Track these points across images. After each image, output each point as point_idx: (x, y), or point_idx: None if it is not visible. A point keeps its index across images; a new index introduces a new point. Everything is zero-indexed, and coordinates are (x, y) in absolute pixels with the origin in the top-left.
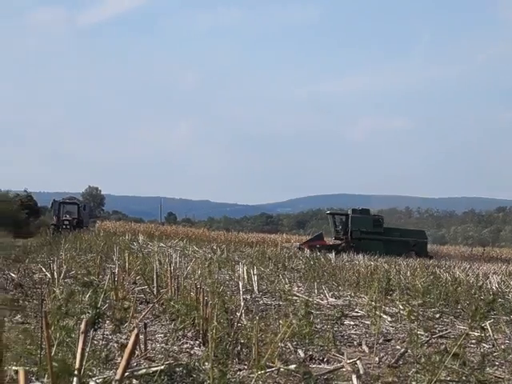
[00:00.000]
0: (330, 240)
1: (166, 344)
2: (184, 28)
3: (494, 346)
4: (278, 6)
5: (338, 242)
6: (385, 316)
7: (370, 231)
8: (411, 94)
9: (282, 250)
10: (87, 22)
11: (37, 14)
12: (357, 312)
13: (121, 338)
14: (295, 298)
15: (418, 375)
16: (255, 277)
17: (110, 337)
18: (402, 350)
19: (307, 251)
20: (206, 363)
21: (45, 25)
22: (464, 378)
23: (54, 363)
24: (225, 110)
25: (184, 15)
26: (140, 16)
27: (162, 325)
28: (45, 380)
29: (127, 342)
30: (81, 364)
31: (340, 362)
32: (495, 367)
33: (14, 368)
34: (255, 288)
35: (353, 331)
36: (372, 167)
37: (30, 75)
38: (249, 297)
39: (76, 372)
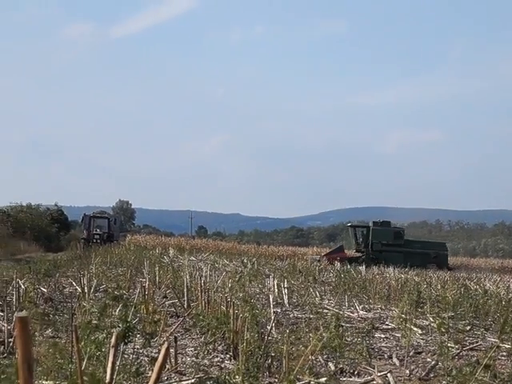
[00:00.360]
0: (350, 252)
1: (197, 357)
2: (215, 42)
3: None
4: (306, 20)
5: (359, 254)
6: (415, 329)
7: (390, 243)
8: (442, 107)
9: (311, 263)
10: (117, 37)
11: (68, 30)
12: (387, 325)
13: (151, 351)
14: (326, 311)
15: None
16: (286, 290)
17: (141, 351)
18: (433, 363)
19: (337, 264)
20: (237, 376)
21: (76, 40)
22: None
23: (84, 377)
24: (255, 124)
25: (215, 30)
26: (170, 30)
27: (193, 338)
28: None
29: (158, 356)
30: (111, 378)
31: (371, 374)
32: None
33: (44, 382)
34: (286, 301)
35: (383, 344)
36: (402, 180)
37: (61, 90)
38: (279, 310)
39: None
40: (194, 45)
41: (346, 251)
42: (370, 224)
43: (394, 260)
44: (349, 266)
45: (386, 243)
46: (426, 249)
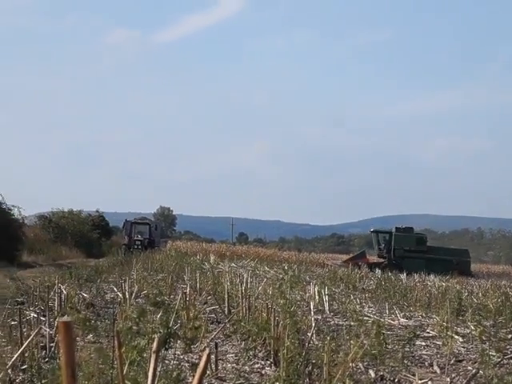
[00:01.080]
0: (373, 258)
1: (237, 364)
2: (258, 49)
3: None
4: (350, 27)
5: (381, 259)
6: (456, 336)
7: (412, 249)
8: (484, 116)
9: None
10: (161, 43)
11: (112, 36)
12: (428, 332)
13: (192, 357)
14: (366, 318)
15: None
16: (326, 297)
17: (182, 356)
18: (474, 371)
19: (378, 271)
20: (277, 383)
21: (120, 46)
22: None
23: (127, 382)
24: (297, 131)
25: (258, 36)
26: (212, 37)
27: (233, 345)
28: None
29: (199, 362)
30: (152, 383)
31: (411, 382)
32: None
33: None
34: (326, 308)
35: (424, 352)
36: (443, 188)
37: (104, 96)
38: (320, 317)
39: None
40: (235, 51)
41: (368, 257)
42: (393, 230)
43: (416, 266)
44: (371, 271)
45: (409, 249)
46: (449, 255)
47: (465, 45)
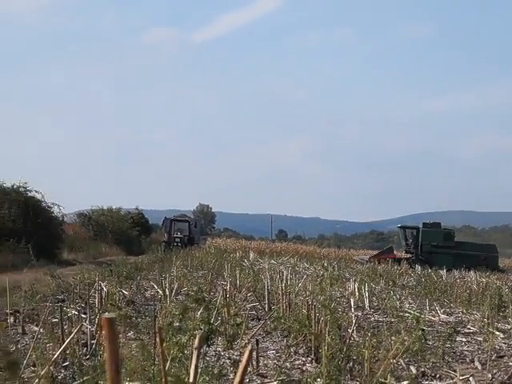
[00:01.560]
0: (401, 254)
1: (278, 360)
2: (297, 45)
3: None
4: (390, 23)
5: (408, 255)
6: (497, 332)
7: (440, 245)
8: None
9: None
10: (200, 41)
11: (150, 35)
12: (469, 329)
13: (233, 354)
14: (407, 314)
15: None
16: (366, 293)
17: (223, 353)
18: None
19: (418, 267)
20: (319, 379)
21: (158, 45)
22: None
23: (168, 378)
24: (335, 128)
25: (297, 33)
26: (253, 34)
27: (274, 341)
28: None
29: (240, 359)
30: (194, 379)
31: (452, 378)
32: None
33: (128, 383)
34: (366, 305)
35: (465, 348)
36: (483, 184)
37: (142, 94)
38: (360, 313)
39: None
40: (273, 47)
41: (396, 252)
42: (420, 225)
43: (444, 261)
44: (399, 267)
45: (436, 245)
46: (476, 251)
47: (505, 41)
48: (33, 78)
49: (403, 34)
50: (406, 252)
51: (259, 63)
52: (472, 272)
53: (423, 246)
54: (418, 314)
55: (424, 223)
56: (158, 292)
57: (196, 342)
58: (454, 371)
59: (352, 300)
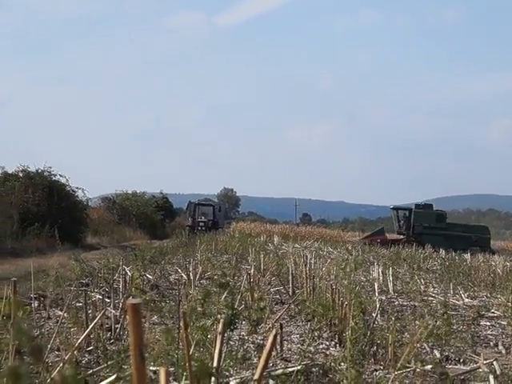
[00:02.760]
0: (392, 235)
1: (302, 344)
2: (323, 30)
3: None
4: (416, 7)
5: (400, 236)
6: None
7: (432, 226)
8: None
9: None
10: (226, 24)
11: (177, 17)
12: (493, 313)
13: (257, 338)
14: (431, 298)
15: None
16: (390, 277)
17: (246, 337)
18: None
19: (442, 251)
20: (343, 363)
21: (184, 28)
22: None
23: (192, 362)
24: (360, 112)
25: (323, 17)
26: (278, 18)
27: (298, 325)
28: (183, 381)
29: (263, 343)
30: (218, 364)
31: (476, 362)
32: None
33: (151, 368)
34: (390, 289)
35: (489, 332)
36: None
37: (168, 78)
38: (384, 298)
39: (214, 372)
40: (300, 32)
41: (388, 234)
42: (413, 207)
43: (435, 242)
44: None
45: (428, 226)
46: (468, 232)
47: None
48: (58, 62)
49: (429, 17)
50: (398, 233)
51: (286, 47)
52: (496, 256)
53: (415, 227)
54: (443, 298)
55: (416, 205)
56: (182, 276)
57: (220, 326)
58: (478, 355)
59: (376, 284)
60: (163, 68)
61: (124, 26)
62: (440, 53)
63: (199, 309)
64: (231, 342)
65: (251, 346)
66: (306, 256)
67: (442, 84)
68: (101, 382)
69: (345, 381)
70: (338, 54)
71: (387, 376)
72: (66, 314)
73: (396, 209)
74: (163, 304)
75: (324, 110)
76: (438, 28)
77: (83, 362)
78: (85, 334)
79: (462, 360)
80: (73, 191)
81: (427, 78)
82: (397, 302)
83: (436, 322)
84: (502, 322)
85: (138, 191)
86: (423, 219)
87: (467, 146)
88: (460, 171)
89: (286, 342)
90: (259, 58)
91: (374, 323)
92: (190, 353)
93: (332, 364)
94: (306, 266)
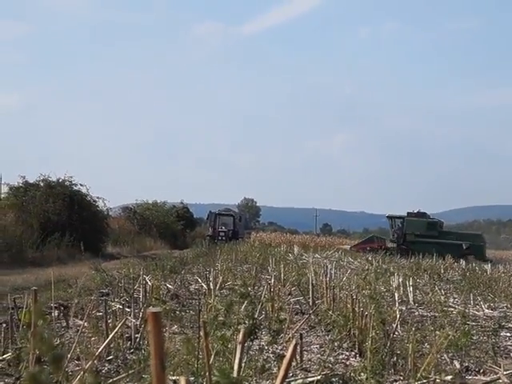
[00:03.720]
0: (382, 243)
1: (322, 355)
2: (341, 40)
3: None
4: (436, 16)
5: (390, 244)
6: None
7: (423, 234)
8: None
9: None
10: (248, 34)
11: (200, 27)
12: None
13: (276, 348)
14: (451, 309)
15: None
16: (410, 288)
17: (266, 347)
18: None
19: (463, 262)
20: (362, 374)
21: (207, 37)
22: None
23: (215, 372)
24: (380, 121)
25: (343, 28)
26: (298, 28)
27: (318, 336)
28: None
29: (283, 353)
30: (238, 373)
31: (496, 373)
32: None
33: (171, 378)
34: (411, 299)
35: (509, 343)
36: None
37: (190, 86)
38: (404, 308)
39: (237, 382)
40: (320, 42)
41: (377, 242)
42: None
43: (426, 251)
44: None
45: (420, 234)
46: (460, 240)
47: None
48: (81, 71)
49: (448, 27)
50: (391, 241)
51: (306, 57)
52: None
53: (407, 235)
54: (463, 309)
55: (408, 213)
56: (202, 286)
57: (240, 336)
58: (498, 366)
59: (396, 294)
60: (186, 76)
61: (148, 35)
62: (459, 61)
63: (220, 318)
64: (251, 352)
65: (271, 356)
66: (327, 266)
67: (461, 92)
68: None
69: None
70: (359, 64)
71: None
72: (86, 324)
73: (391, 217)
74: (183, 314)
75: (344, 119)
76: (461, 37)
77: (103, 371)
78: (105, 344)
79: (481, 371)
80: (93, 201)
81: (448, 85)
82: (417, 313)
83: (456, 332)
84: None
85: (158, 201)
86: (415, 227)
87: (491, 155)
88: (484, 181)
89: (305, 352)
90: (281, 68)
91: (394, 334)
92: (210, 362)
93: (352, 374)
94: (326, 276)
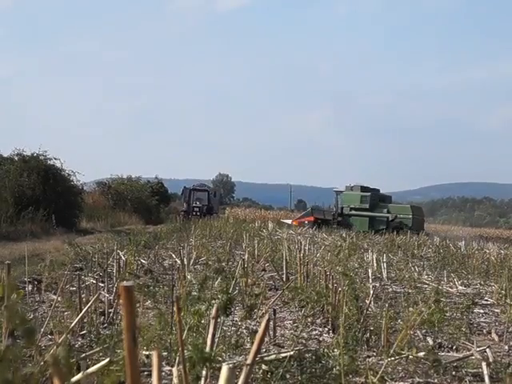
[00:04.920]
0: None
1: (295, 330)
2: (319, 17)
3: None
4: None
5: (327, 217)
6: None
7: (357, 207)
8: None
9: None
10: (224, 10)
11: (177, 2)
12: (486, 300)
13: (250, 324)
14: (424, 285)
15: None
16: (384, 264)
17: (240, 323)
18: None
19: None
20: (336, 349)
21: (184, 12)
22: None
23: (191, 348)
24: (359, 99)
25: (321, 4)
26: (276, 4)
27: (291, 311)
28: (176, 365)
29: (257, 329)
30: (211, 348)
31: (469, 350)
32: None
33: (144, 352)
34: (384, 276)
35: (482, 319)
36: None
37: (166, 62)
38: (378, 284)
39: (210, 357)
40: (298, 19)
41: (315, 215)
42: (343, 188)
43: (359, 224)
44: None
45: (354, 207)
46: (390, 213)
47: None
48: (57, 45)
49: (426, 4)
50: (332, 215)
51: (284, 33)
52: (490, 243)
53: (343, 208)
54: (436, 285)
55: (346, 186)
56: (176, 261)
57: (213, 311)
58: (471, 343)
59: (370, 271)
60: (159, 53)
61: (123, 10)
62: (438, 39)
63: (195, 294)
64: (225, 327)
65: (245, 331)
66: (301, 242)
67: (438, 70)
68: (94, 365)
69: (338, 367)
70: (337, 41)
71: (380, 362)
72: (59, 298)
73: (336, 192)
74: (157, 289)
75: (319, 97)
76: (436, 16)
77: (76, 345)
78: (78, 318)
79: (454, 347)
80: (68, 175)
81: (424, 64)
82: (390, 289)
83: (429, 308)
84: (496, 310)
85: (133, 176)
86: (350, 201)
87: (468, 133)
88: (457, 159)
89: (279, 327)
90: (258, 44)
91: (367, 310)
92: (183, 337)
93: (325, 350)
94: (300, 252)
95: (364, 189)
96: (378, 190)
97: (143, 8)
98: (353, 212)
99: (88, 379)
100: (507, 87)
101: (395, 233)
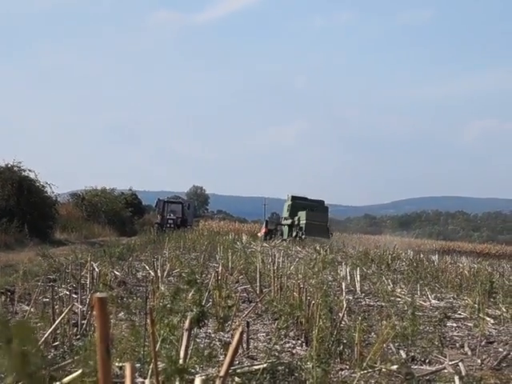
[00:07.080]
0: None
1: (269, 343)
2: (296, 29)
3: None
4: (390, 8)
5: (271, 228)
6: (488, 318)
7: (285, 216)
8: None
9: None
10: (200, 24)
11: (154, 17)
12: (459, 314)
13: (223, 336)
14: (398, 299)
15: None
16: (358, 277)
17: (213, 335)
18: (505, 353)
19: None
20: (309, 362)
21: (161, 27)
22: None
23: (165, 360)
24: (333, 112)
25: (296, 17)
26: (250, 17)
27: (265, 324)
28: (149, 377)
29: (230, 341)
30: (184, 360)
31: (442, 363)
32: None
33: (117, 364)
34: (358, 289)
35: (455, 333)
36: (478, 170)
37: (142, 76)
38: (351, 297)
39: (184, 369)
40: (274, 32)
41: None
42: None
43: (285, 232)
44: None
45: (284, 216)
46: (301, 220)
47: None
48: (31, 56)
49: (401, 18)
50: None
51: (260, 46)
52: (464, 258)
53: (281, 218)
54: (410, 299)
55: (293, 196)
56: (149, 273)
57: (187, 323)
58: (444, 356)
59: (343, 284)
60: (135, 66)
61: (101, 24)
62: (413, 52)
63: (168, 305)
64: (198, 339)
65: (218, 343)
66: (274, 255)
67: (413, 84)
68: (66, 376)
69: (311, 379)
70: (312, 54)
71: (353, 375)
72: (32, 309)
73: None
74: (130, 300)
75: (297, 110)
76: (414, 29)
77: (49, 356)
78: (51, 329)
79: (427, 360)
80: (42, 187)
81: (399, 77)
82: (364, 302)
83: (402, 322)
84: (468, 324)
85: (107, 188)
86: (283, 211)
87: (441, 147)
88: (430, 173)
89: (252, 340)
90: (234, 57)
91: (340, 323)
92: (157, 349)
93: (298, 363)
94: (273, 264)
95: (294, 198)
96: (323, 202)
97: (118, 22)
98: (283, 221)
99: None
100: (482, 102)
101: (297, 239)
